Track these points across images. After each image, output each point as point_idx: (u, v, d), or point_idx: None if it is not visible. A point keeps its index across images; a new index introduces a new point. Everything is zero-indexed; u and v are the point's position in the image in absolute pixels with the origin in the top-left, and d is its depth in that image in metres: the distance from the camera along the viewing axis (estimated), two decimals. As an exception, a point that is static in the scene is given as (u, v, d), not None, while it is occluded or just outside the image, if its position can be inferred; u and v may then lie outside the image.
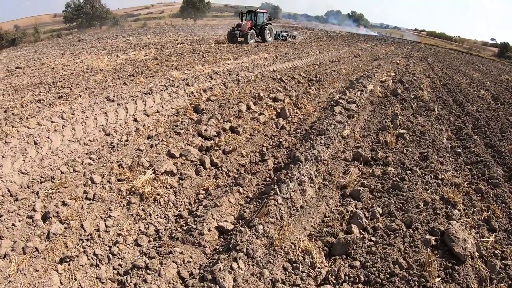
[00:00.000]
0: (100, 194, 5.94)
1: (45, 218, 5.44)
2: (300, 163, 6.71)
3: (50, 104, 11.20)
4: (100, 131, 8.72)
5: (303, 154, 7.10)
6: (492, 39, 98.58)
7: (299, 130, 9.41)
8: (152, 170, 6.60)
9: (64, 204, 5.66)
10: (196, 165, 7.24)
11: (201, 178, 6.88)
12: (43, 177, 6.50)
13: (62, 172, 6.64)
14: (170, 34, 38.78)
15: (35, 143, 7.68)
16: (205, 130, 8.46)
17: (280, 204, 5.53)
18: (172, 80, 13.47)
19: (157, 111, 10.08)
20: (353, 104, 11.14)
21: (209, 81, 13.21)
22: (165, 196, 6.16)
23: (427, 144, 8.92)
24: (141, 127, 8.75)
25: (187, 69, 15.85)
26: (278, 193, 5.67)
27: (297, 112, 10.95)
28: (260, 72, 15.88)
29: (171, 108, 10.43)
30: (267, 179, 6.85)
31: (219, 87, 12.57)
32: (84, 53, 24.51)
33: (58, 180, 6.35)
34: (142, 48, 25.67)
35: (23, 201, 5.85)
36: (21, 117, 9.93)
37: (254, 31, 31.19)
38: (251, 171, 7.09)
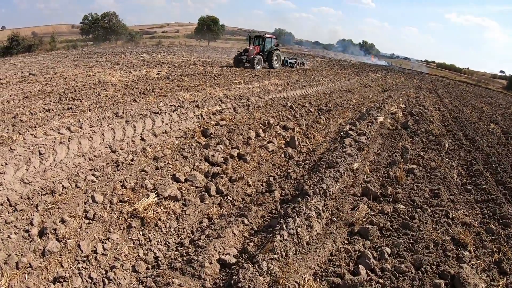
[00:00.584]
0: (100, 215, 5.72)
1: (42, 233, 5.22)
2: (308, 197, 6.48)
3: (59, 115, 11.08)
4: (106, 147, 8.55)
5: (311, 188, 6.88)
6: (501, 71, 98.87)
7: (307, 161, 9.20)
8: (155, 193, 6.38)
9: (62, 221, 5.44)
10: (201, 191, 7.02)
11: (205, 206, 6.66)
12: (44, 190, 6.29)
13: (64, 187, 6.44)
14: (183, 54, 39.03)
15: (40, 154, 7.48)
16: (213, 155, 8.26)
17: (286, 240, 5.27)
18: (182, 101, 13.36)
19: (165, 132, 9.91)
20: (363, 136, 10.97)
21: (219, 105, 13.08)
22: (167, 222, 5.92)
23: (438, 180, 8.71)
24: (147, 147, 8.57)
25: (197, 91, 15.76)
26: (284, 228, 5.42)
27: (306, 142, 10.78)
28: (271, 99, 15.76)
29: (179, 129, 10.27)
30: (273, 211, 6.61)
31: (229, 112, 12.43)
32: (98, 66, 24.62)
33: (59, 195, 6.14)
34: (155, 66, 25.76)
35: (22, 212, 5.63)
36: (28, 124, 9.80)
37: (261, 57, 30.29)
38: (257, 201, 6.85)
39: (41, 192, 6.24)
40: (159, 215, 5.95)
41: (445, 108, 21.96)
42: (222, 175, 7.65)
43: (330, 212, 6.62)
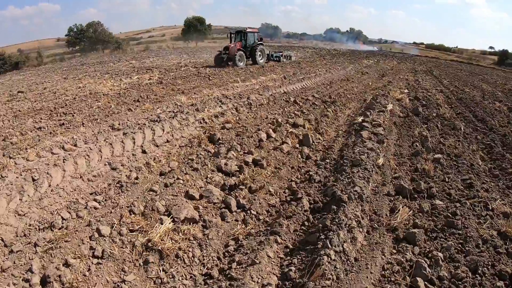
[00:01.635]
0: (110, 251, 4.81)
1: (44, 282, 4.34)
2: (344, 204, 5.59)
3: (51, 133, 10.26)
4: (105, 165, 7.66)
5: (344, 192, 6.00)
6: (491, 47, 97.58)
7: (327, 160, 8.32)
8: (170, 217, 5.47)
9: (67, 264, 4.55)
10: (220, 208, 6.11)
11: (228, 225, 5.74)
12: (41, 223, 5.46)
13: (63, 218, 5.58)
14: (173, 57, 37.84)
15: (33, 180, 6.63)
16: (225, 164, 7.36)
17: (334, 260, 4.41)
18: (180, 106, 12.44)
19: (167, 141, 9.01)
20: (379, 127, 10.14)
21: (220, 106, 12.17)
22: (189, 251, 4.96)
23: (466, 169, 8.05)
24: (151, 160, 7.67)
25: (194, 93, 14.85)
26: (329, 245, 4.54)
27: (319, 138, 9.90)
28: (272, 95, 14.87)
29: (182, 137, 9.38)
30: (306, 223, 5.68)
31: (231, 112, 11.54)
32: (87, 77, 23.64)
33: (59, 230, 5.27)
34: (146, 71, 24.77)
35: (19, 255, 4.79)
36: (19, 147, 8.96)
37: (243, 53, 27.94)
38: (285, 213, 5.91)
39: (39, 226, 5.42)
40: (179, 243, 5.01)
41: (447, 90, 21.19)
42: (240, 186, 6.74)
43: (369, 218, 5.76)
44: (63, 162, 7.33)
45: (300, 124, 10.36)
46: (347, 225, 5.01)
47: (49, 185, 6.62)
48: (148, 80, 19.90)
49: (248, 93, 14.39)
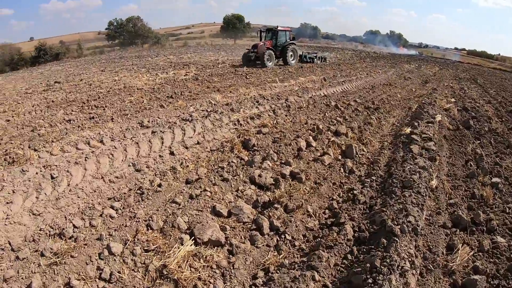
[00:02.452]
0: (119, 275, 4.11)
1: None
2: (397, 239, 4.64)
3: (79, 126, 9.88)
4: (129, 165, 7.04)
5: (396, 223, 5.03)
6: None
7: (373, 177, 7.34)
8: (192, 238, 4.71)
9: (69, 285, 3.90)
10: (250, 229, 5.28)
11: (259, 251, 4.89)
12: (53, 228, 4.94)
13: (75, 226, 4.98)
14: (210, 54, 37.36)
15: (52, 177, 6.12)
16: (260, 175, 6.54)
17: (386, 313, 3.54)
18: (214, 104, 11.76)
19: (198, 143, 8.32)
20: (430, 141, 9.07)
21: (256, 107, 11.40)
22: (209, 282, 4.16)
23: None
24: (178, 165, 6.98)
25: (230, 92, 14.14)
26: (379, 293, 3.66)
27: (363, 150, 8.93)
28: (311, 97, 13.99)
29: (214, 139, 8.67)
30: (348, 256, 4.72)
31: (268, 115, 10.77)
32: (124, 71, 23.44)
33: (68, 239, 4.65)
34: (182, 67, 24.31)
35: (24, 263, 4.30)
36: (46, 139, 8.66)
37: (272, 52, 25.89)
38: (325, 242, 4.99)
39: (49, 231, 4.87)
40: (198, 272, 4.20)
41: (495, 100, 19.54)
42: (275, 204, 5.86)
43: (422, 255, 4.77)
44: (85, 160, 6.80)
45: (343, 133, 9.45)
46: (399, 268, 4.08)
47: (68, 184, 6.11)
48: (184, 76, 19.39)
49: (287, 95, 13.56)
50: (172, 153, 7.67)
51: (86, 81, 19.24)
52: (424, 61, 49.86)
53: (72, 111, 11.86)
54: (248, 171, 6.70)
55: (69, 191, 5.96)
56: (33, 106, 13.04)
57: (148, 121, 9.34)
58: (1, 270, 4.12)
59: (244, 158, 7.17)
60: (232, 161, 6.99)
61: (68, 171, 6.38)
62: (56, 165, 6.53)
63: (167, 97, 13.39)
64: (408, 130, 10.30)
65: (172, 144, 7.99)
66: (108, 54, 46.77)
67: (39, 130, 9.64)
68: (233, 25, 79.47)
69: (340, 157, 8.21)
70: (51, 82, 19.24)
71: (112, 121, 10.28)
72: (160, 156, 7.49)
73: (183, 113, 10.38)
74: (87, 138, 8.27)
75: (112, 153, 7.14)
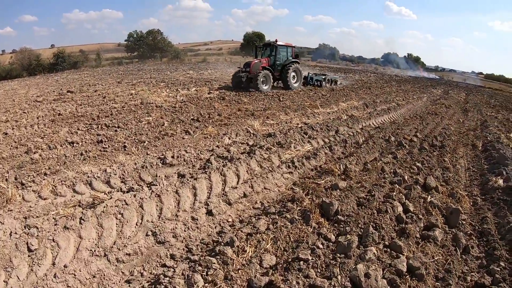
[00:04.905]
0: None
1: None
2: None
3: (81, 154, 7.49)
4: (147, 234, 4.45)
5: None
6: None
7: (501, 263, 4.39)
8: None
9: None
10: None
11: None
12: None
13: None
14: (231, 71, 34.95)
15: (29, 250, 3.80)
16: (366, 275, 3.65)
17: None
18: (254, 135, 9.16)
19: (244, 196, 5.70)
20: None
21: (308, 141, 8.69)
22: None
23: None
24: (226, 248, 4.19)
25: (268, 118, 11.49)
26: None
27: (460, 211, 6.05)
28: (362, 128, 11.31)
29: (265, 189, 6.04)
30: None
31: (325, 152, 8.08)
32: (141, 84, 21.24)
33: None
34: (204, 83, 21.82)
35: None
36: (38, 168, 6.68)
37: (269, 73, 20.17)
38: None
39: None
40: None
41: None
42: None
43: None
44: (80, 224, 4.23)
45: (432, 186, 6.69)
46: None
47: (53, 263, 3.82)
48: (208, 94, 16.77)
49: (336, 125, 10.85)
50: (210, 213, 5.06)
51: (101, 92, 17.33)
52: (447, 86, 47.01)
53: (78, 129, 9.64)
54: (345, 265, 3.81)
55: (54, 276, 3.71)
56: (38, 118, 11.24)
57: (173, 156, 6.74)
58: None
59: (330, 237, 4.36)
60: (315, 244, 4.18)
61: (54, 240, 3.98)
62: (38, 227, 4.06)
63: (192, 119, 10.83)
64: (500, 181, 7.57)
65: (209, 197, 5.35)
66: (126, 66, 44.78)
67: (34, 153, 7.57)
68: (253, 43, 77.31)
69: (443, 225, 5.33)
70: (64, 91, 17.67)
71: (125, 149, 7.78)
72: (192, 218, 4.86)
73: (217, 146, 7.78)
74: (88, 177, 5.79)
75: (122, 211, 4.54)
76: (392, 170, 7.16)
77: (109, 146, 7.98)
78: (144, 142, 8.23)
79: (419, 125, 13.43)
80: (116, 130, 9.42)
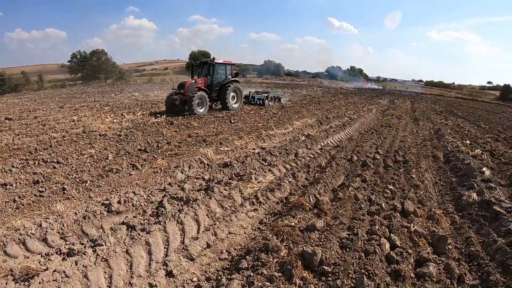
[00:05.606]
0: None
1: None
2: None
3: (14, 201, 6.28)
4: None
5: None
6: (489, 82, 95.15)
7: None
8: None
9: None
10: None
11: None
12: None
13: None
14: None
15: None
16: None
17: None
18: (208, 165, 8.26)
19: (208, 246, 4.80)
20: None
21: (269, 169, 7.91)
22: None
23: None
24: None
25: (221, 143, 10.62)
26: None
27: (441, 233, 5.49)
28: (321, 149, 10.72)
29: (230, 233, 5.18)
30: None
31: (289, 181, 7.36)
32: (85, 108, 19.71)
33: None
34: (151, 106, 20.57)
35: None
36: None
37: (205, 94, 18.20)
38: None
39: None
40: None
41: (499, 137, 16.64)
42: None
43: None
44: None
45: (411, 211, 6.09)
46: None
47: None
48: (155, 118, 15.58)
49: (294, 147, 10.17)
50: (170, 274, 4.16)
51: (41, 119, 15.77)
52: (391, 95, 48.28)
53: (13, 166, 8.28)
54: None
55: None
56: None
57: (119, 201, 5.73)
58: None
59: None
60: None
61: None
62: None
63: (139, 149, 9.78)
64: (473, 195, 7.18)
65: (167, 255, 4.42)
66: (69, 88, 42.22)
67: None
68: (195, 61, 75.81)
69: (432, 256, 4.69)
70: (2, 118, 15.94)
71: (64, 192, 6.62)
72: (150, 285, 3.92)
73: (170, 184, 6.82)
74: (21, 234, 4.72)
75: (58, 279, 3.52)
76: (366, 197, 6.54)
77: (46, 189, 6.82)
78: (86, 182, 7.12)
79: (377, 140, 13.09)
80: (54, 167, 8.21)
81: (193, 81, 18.26)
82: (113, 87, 42.90)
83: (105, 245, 4.29)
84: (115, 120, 15.09)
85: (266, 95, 24.36)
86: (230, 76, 20.17)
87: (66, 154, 9.26)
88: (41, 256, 4.33)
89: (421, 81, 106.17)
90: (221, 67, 19.92)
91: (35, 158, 8.92)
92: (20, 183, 7.24)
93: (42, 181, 7.28)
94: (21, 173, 7.88)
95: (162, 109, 19.18)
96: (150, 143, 10.57)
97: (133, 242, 4.36)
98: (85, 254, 4.09)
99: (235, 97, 20.42)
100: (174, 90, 18.07)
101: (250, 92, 24.42)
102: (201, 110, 17.76)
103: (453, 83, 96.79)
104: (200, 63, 20.93)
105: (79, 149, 9.83)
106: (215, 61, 19.50)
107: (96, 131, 12.31)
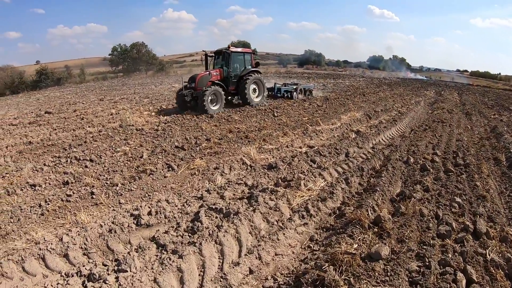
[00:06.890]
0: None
1: None
2: None
3: (39, 206, 5.76)
4: None
5: None
6: None
7: None
8: None
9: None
10: None
11: None
12: None
13: None
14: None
15: None
16: None
17: None
18: (251, 167, 7.43)
19: (250, 272, 3.99)
20: None
21: (319, 173, 6.96)
22: None
23: None
24: None
25: (264, 140, 9.76)
26: None
27: None
28: (373, 147, 9.67)
29: (277, 255, 4.34)
30: None
31: (341, 188, 6.41)
32: (124, 101, 19.51)
33: None
34: (190, 97, 20.01)
35: None
36: None
37: (219, 88, 15.42)
38: None
39: None
40: None
41: None
42: None
43: None
44: None
45: (484, 232, 5.06)
46: None
47: None
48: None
49: (344, 145, 9.15)
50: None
51: (80, 112, 15.67)
52: (437, 86, 45.64)
53: (44, 165, 7.87)
54: None
55: None
56: (6, 147, 9.83)
57: (150, 212, 4.99)
58: None
59: None
60: None
61: None
62: None
63: (176, 147, 9.08)
64: None
65: (202, 284, 3.65)
66: (110, 81, 42.82)
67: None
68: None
69: None
70: (42, 112, 16.12)
71: (92, 197, 6.00)
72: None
73: (208, 190, 6.04)
74: (41, 249, 4.11)
75: None
76: (432, 213, 5.46)
77: (74, 192, 6.27)
78: (117, 185, 6.47)
79: (432, 138, 11.69)
80: (86, 166, 7.70)
81: (207, 73, 15.84)
82: (153, 78, 43.09)
83: (130, 271, 3.58)
84: (153, 114, 14.64)
85: (295, 87, 21.67)
86: (250, 66, 17.41)
87: (99, 151, 8.77)
88: (60, 275, 3.74)
89: (466, 71, 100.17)
90: (239, 56, 17.23)
91: (68, 155, 8.48)
92: (50, 184, 6.77)
93: (71, 182, 6.77)
94: (51, 172, 7.42)
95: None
96: (188, 139, 9.87)
97: (163, 269, 3.61)
98: (105, 283, 3.42)
99: (257, 90, 17.58)
100: (185, 84, 15.72)
101: (275, 84, 21.78)
102: (215, 108, 15.16)
103: (499, 73, 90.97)
104: (215, 52, 17.62)
105: (113, 146, 9.32)
106: (231, 49, 16.80)
107: (133, 126, 11.81)
